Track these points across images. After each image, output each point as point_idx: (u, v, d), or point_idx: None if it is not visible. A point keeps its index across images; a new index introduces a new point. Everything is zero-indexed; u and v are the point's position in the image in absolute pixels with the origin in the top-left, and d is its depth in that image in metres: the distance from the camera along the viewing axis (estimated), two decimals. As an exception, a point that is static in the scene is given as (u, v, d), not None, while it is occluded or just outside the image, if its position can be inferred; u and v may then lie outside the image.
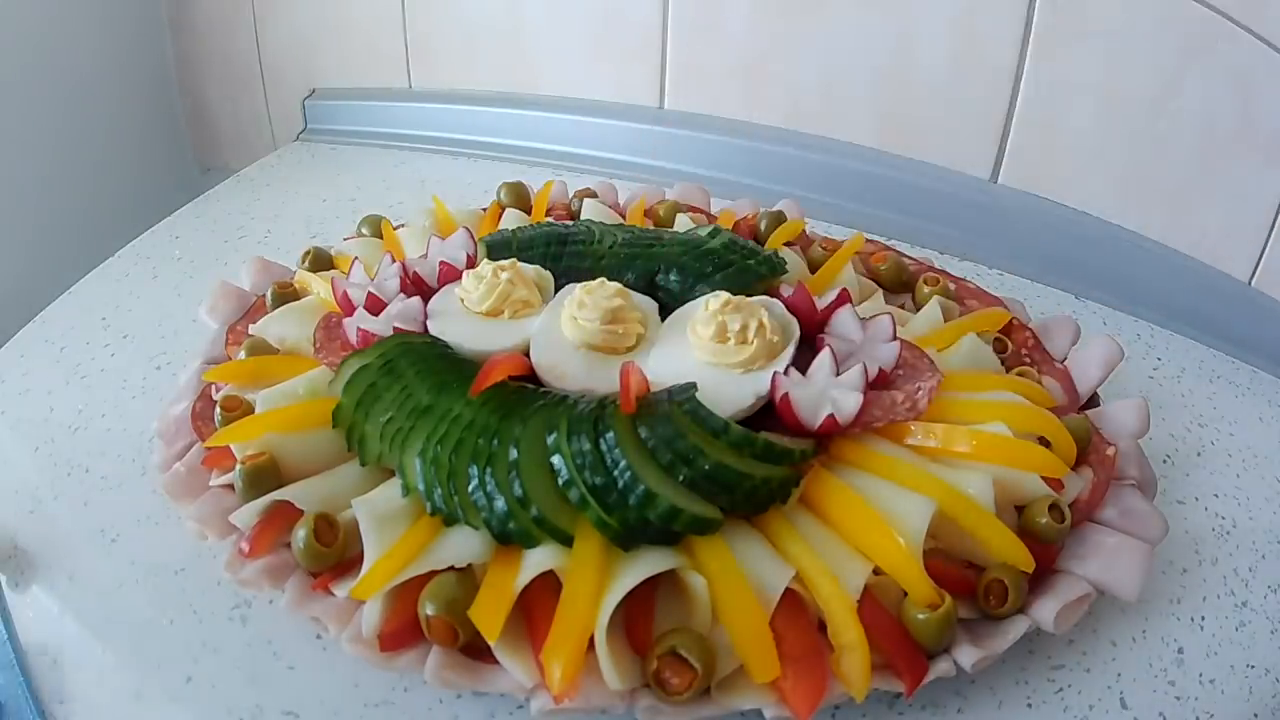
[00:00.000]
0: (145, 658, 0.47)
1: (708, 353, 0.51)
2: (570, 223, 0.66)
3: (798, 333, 0.53)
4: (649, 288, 0.58)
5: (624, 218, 0.72)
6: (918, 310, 0.62)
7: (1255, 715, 0.45)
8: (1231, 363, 0.68)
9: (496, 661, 0.42)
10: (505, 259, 0.57)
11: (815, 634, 0.43)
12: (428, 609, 0.42)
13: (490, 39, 0.96)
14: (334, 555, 0.45)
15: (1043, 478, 0.47)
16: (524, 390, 0.50)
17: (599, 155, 0.92)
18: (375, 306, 0.56)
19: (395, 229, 0.71)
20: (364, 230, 0.72)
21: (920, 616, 0.42)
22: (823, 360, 0.50)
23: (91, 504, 0.55)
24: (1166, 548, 0.50)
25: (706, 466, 0.44)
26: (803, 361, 0.51)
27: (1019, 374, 0.56)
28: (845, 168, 0.83)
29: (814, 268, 0.65)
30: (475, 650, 0.43)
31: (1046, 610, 0.44)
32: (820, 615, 0.43)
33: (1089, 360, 0.58)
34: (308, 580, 0.45)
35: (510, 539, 0.44)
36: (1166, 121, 0.69)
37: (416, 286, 0.58)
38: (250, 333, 0.60)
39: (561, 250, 0.60)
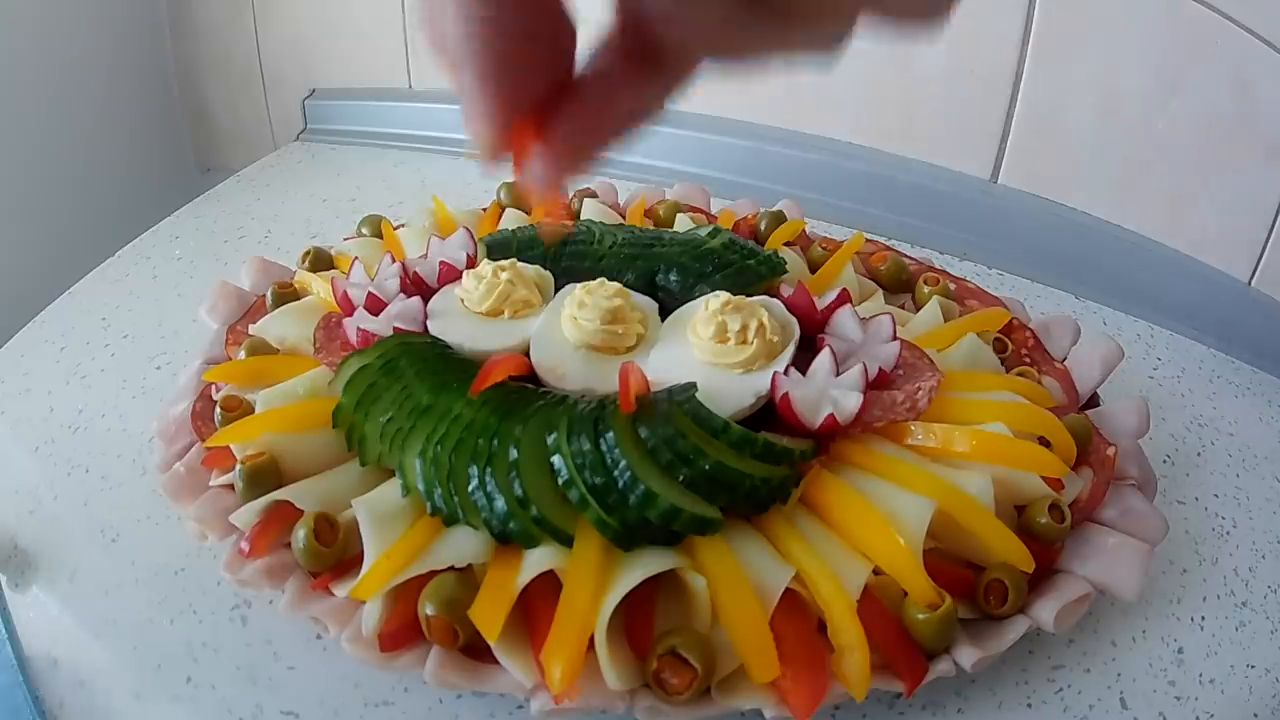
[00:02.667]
0: (145, 658, 0.47)
1: (708, 353, 0.51)
2: (570, 223, 0.66)
3: (798, 333, 0.53)
4: (649, 288, 0.58)
5: (624, 218, 0.72)
6: (918, 310, 0.62)
7: (1255, 715, 0.45)
8: (1231, 363, 0.68)
9: (496, 661, 0.42)
10: (505, 259, 0.57)
11: (815, 634, 0.43)
12: (428, 609, 0.42)
13: (490, 39, 0.95)
14: (334, 555, 0.45)
15: (1043, 478, 0.47)
16: (524, 390, 0.50)
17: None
18: (375, 306, 0.56)
19: (395, 229, 0.71)
20: (364, 230, 0.72)
21: (920, 616, 0.42)
22: (823, 360, 0.50)
23: (91, 504, 0.55)
24: (1166, 548, 0.50)
25: (706, 466, 0.44)
26: (803, 361, 0.51)
27: (1019, 374, 0.56)
28: (845, 168, 0.83)
29: (814, 268, 0.65)
30: (475, 650, 0.43)
31: (1046, 610, 0.44)
32: (820, 615, 0.43)
33: (1089, 360, 0.58)
34: (308, 580, 0.45)
35: (510, 539, 0.44)
36: (1166, 121, 0.69)
37: (416, 286, 0.58)
38: (250, 333, 0.60)
39: (561, 250, 0.60)
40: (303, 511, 0.46)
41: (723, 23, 0.19)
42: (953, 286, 0.64)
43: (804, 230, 0.70)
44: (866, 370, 0.50)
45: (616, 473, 0.43)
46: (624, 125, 0.22)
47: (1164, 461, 0.58)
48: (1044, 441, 0.49)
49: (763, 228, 0.69)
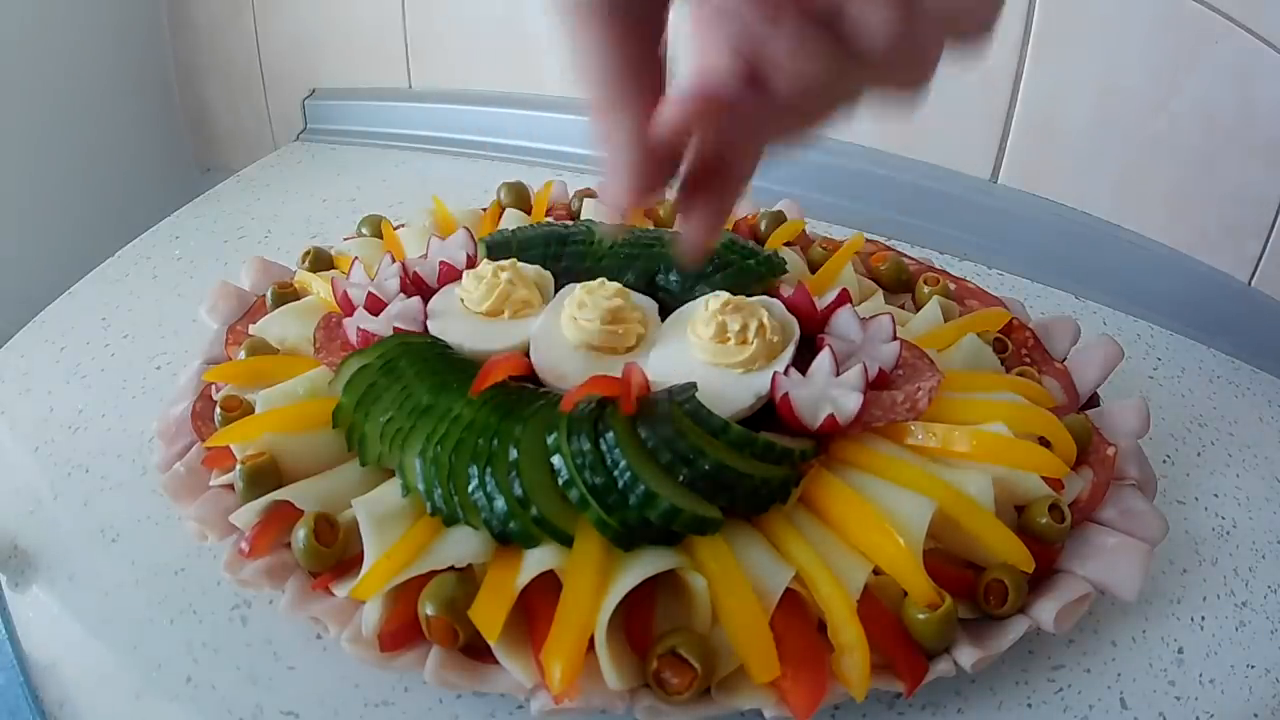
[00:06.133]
0: (145, 658, 0.47)
1: (708, 353, 0.51)
2: (570, 223, 0.66)
3: (798, 333, 0.53)
4: (649, 288, 0.58)
5: (624, 218, 0.72)
6: (918, 310, 0.62)
7: (1255, 715, 0.45)
8: (1231, 363, 0.68)
9: (496, 661, 0.42)
10: (505, 259, 0.57)
11: (815, 634, 0.43)
12: (428, 609, 0.42)
13: (490, 38, 0.95)
14: (334, 555, 0.45)
15: (1043, 478, 0.47)
16: (524, 390, 0.50)
17: (599, 155, 0.92)
18: (375, 306, 0.56)
19: (395, 229, 0.71)
20: (364, 230, 0.72)
21: (920, 616, 0.42)
22: (823, 360, 0.50)
23: (91, 504, 0.55)
24: (1166, 548, 0.50)
25: (706, 466, 0.44)
26: (803, 361, 0.51)
27: (1019, 374, 0.56)
28: (845, 168, 0.83)
29: (814, 268, 0.65)
30: (475, 650, 0.43)
31: (1046, 610, 0.44)
32: (820, 615, 0.43)
33: (1089, 360, 0.58)
34: (308, 580, 0.45)
35: (510, 539, 0.44)
36: (1166, 121, 0.69)
37: (416, 286, 0.58)
38: (250, 333, 0.60)
39: (561, 250, 0.60)
40: (303, 511, 0.46)
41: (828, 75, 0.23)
42: (953, 286, 0.64)
43: (804, 230, 0.70)
44: (866, 370, 0.50)
45: (616, 473, 0.43)
46: (740, 185, 0.29)
47: (1164, 461, 0.58)
48: (1044, 441, 0.49)
49: (763, 227, 0.69)
